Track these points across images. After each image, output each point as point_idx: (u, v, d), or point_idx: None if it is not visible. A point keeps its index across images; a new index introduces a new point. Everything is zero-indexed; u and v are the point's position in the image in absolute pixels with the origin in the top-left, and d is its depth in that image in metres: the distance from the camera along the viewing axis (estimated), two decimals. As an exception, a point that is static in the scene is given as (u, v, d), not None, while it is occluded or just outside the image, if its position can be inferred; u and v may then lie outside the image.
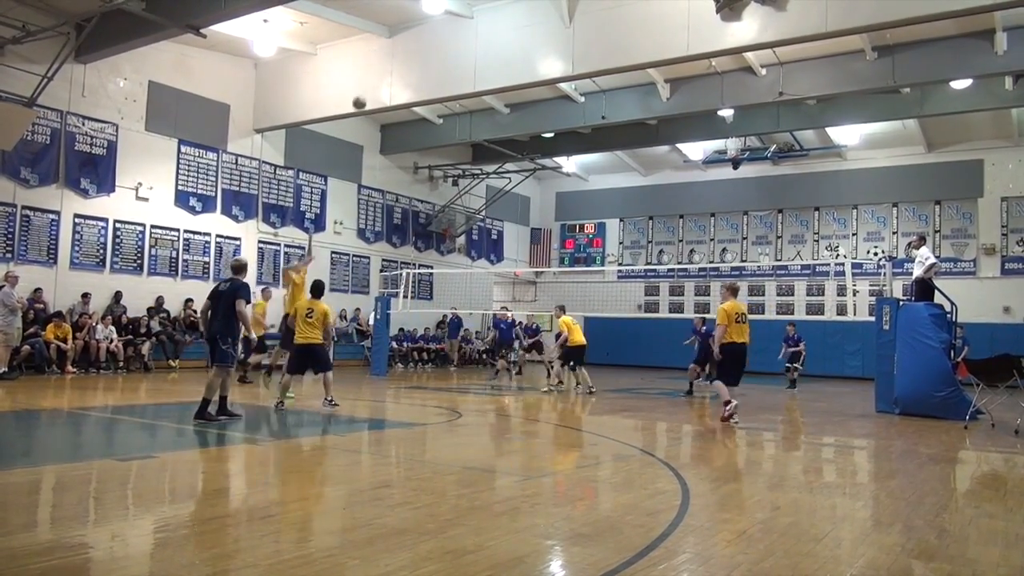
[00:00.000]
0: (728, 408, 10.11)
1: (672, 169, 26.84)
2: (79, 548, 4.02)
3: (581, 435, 9.53)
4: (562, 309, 15.92)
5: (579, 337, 15.08)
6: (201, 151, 18.57)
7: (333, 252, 21.94)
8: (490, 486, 6.16)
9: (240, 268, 9.21)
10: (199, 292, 17.57)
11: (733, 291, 10.56)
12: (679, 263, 26.62)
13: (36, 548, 3.92)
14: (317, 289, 10.72)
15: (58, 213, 16.00)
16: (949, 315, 12.86)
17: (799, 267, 24.39)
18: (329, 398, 10.40)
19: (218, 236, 18.95)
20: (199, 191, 18.51)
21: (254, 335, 10.54)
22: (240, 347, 10.11)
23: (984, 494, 6.67)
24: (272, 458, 7.32)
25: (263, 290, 15.06)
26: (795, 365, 17.24)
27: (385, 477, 6.52)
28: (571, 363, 15.35)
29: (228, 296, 8.78)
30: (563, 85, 18.44)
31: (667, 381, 18.77)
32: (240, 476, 6.50)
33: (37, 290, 15.28)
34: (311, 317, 10.25)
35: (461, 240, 26.21)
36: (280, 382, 10.69)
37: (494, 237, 27.88)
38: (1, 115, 14.15)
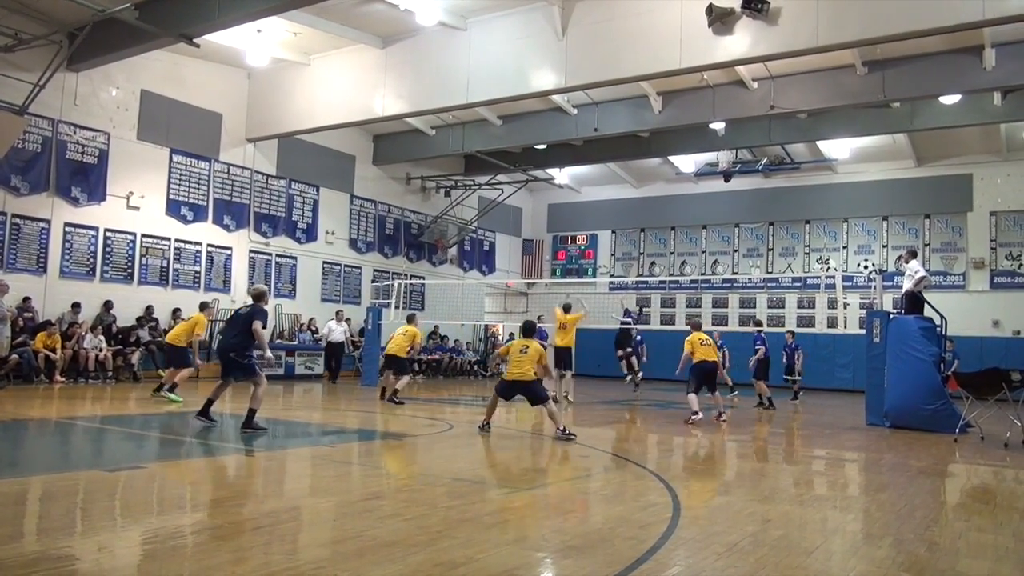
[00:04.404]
0: (694, 417, 11.95)
1: (664, 181, 26.95)
2: (66, 560, 3.98)
3: (572, 447, 9.51)
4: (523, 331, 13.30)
5: (561, 338, 14.86)
6: (193, 160, 18.55)
7: (324, 262, 21.90)
8: (481, 498, 6.13)
9: (260, 296, 9.53)
10: (190, 302, 17.54)
11: (695, 327, 12.81)
12: (670, 275, 26.68)
13: (22, 560, 3.88)
14: (529, 329, 10.28)
15: (48, 222, 15.93)
16: (939, 328, 12.92)
17: (790, 280, 24.49)
18: (561, 428, 9.66)
19: (209, 245, 18.89)
20: (191, 200, 18.47)
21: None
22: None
23: (974, 507, 6.69)
24: (261, 469, 7.28)
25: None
26: (796, 377, 17.12)
27: (375, 488, 6.50)
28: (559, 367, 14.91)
29: (246, 318, 9.20)
30: (556, 97, 18.52)
31: (658, 393, 18.77)
32: (229, 487, 6.46)
33: (26, 299, 15.19)
34: (525, 353, 9.78)
35: (453, 251, 26.21)
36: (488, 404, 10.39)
37: (486, 248, 27.90)
38: (-8, 123, 14.12)
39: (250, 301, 9.76)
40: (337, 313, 19.44)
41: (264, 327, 9.30)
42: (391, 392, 13.77)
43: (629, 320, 17.95)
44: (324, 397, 15.12)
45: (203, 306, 13.55)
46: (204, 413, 9.28)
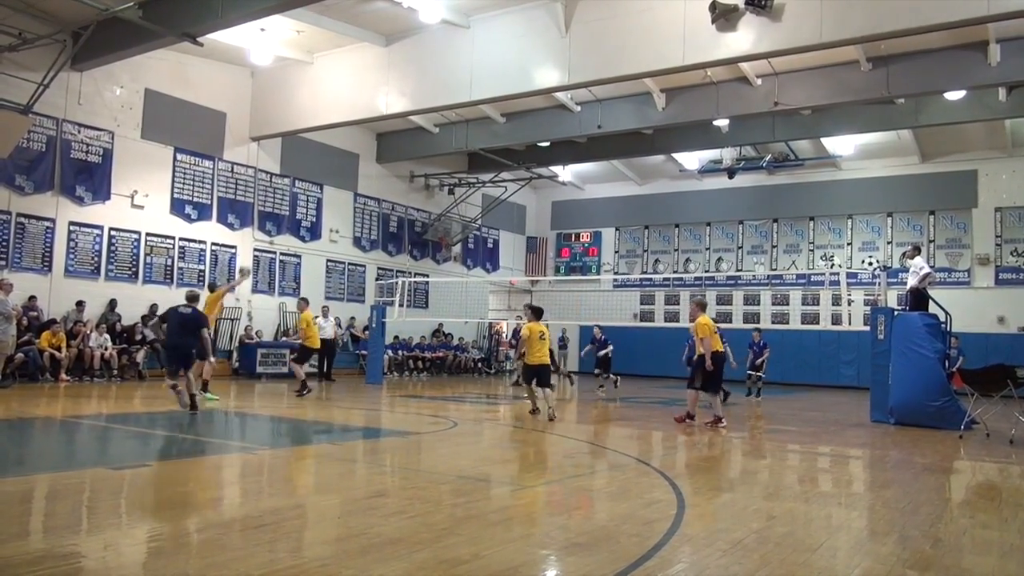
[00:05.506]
0: (691, 421, 11.07)
1: (668, 178, 26.91)
2: (71, 557, 3.99)
3: (576, 444, 9.52)
4: (535, 313, 12.17)
5: (541, 351, 11.68)
6: (197, 159, 18.57)
7: (328, 260, 21.93)
8: (485, 495, 6.14)
9: (195, 298, 11.16)
10: (194, 300, 17.54)
11: (702, 306, 11.74)
12: (674, 272, 26.66)
13: (28, 557, 3.90)
14: (541, 312, 12.07)
15: (53, 221, 15.96)
16: (944, 325, 12.89)
17: (794, 277, 24.43)
18: (536, 408, 11.50)
19: (214, 244, 18.92)
20: (195, 199, 18.49)
21: (212, 358, 12.36)
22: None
23: (979, 504, 6.68)
24: (266, 467, 7.29)
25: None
26: (759, 373, 17.02)
27: (380, 486, 6.50)
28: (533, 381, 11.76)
29: (193, 323, 10.65)
30: (559, 95, 18.50)
31: (662, 390, 18.77)
32: (234, 485, 6.48)
33: (32, 298, 15.23)
34: (544, 339, 11.44)
35: (457, 249, 26.22)
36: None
37: (490, 246, 27.90)
38: (-3, 122, 14.15)
39: (185, 301, 11.01)
40: (324, 309, 19.26)
41: (209, 331, 11.27)
42: (301, 386, 13.85)
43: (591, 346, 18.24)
44: (325, 396, 15.13)
45: (212, 287, 13.87)
46: (194, 406, 10.45)
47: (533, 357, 11.42)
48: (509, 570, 3.96)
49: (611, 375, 17.72)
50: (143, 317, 16.95)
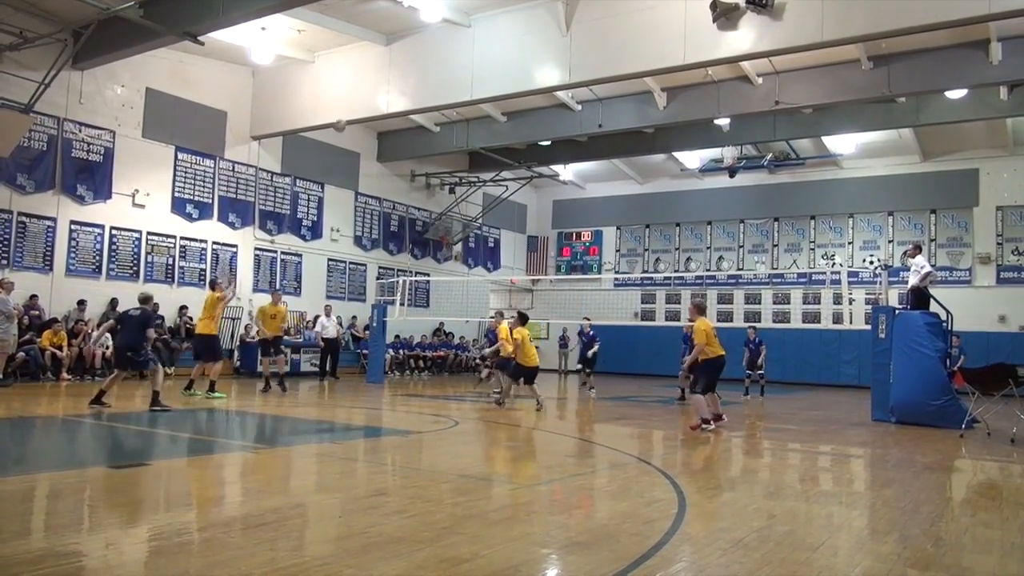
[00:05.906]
0: (707, 426, 10.45)
1: (669, 177, 26.91)
2: (73, 556, 4.00)
3: (577, 443, 9.52)
4: (520, 319, 13.26)
5: (531, 355, 12.95)
6: (198, 158, 18.57)
7: (329, 260, 21.93)
8: (486, 494, 6.15)
9: (147, 299, 11.19)
10: (195, 299, 17.55)
11: (700, 309, 11.30)
12: (675, 271, 26.65)
13: (29, 556, 3.90)
14: (527, 318, 13.32)
15: (54, 220, 15.97)
16: (945, 324, 12.88)
17: (795, 276, 24.41)
18: (541, 402, 12.69)
19: (215, 243, 18.92)
20: (196, 198, 18.50)
21: (219, 362, 12.80)
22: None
23: (980, 503, 6.67)
24: (267, 466, 7.29)
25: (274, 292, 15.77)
26: (760, 371, 17.06)
27: (381, 485, 6.51)
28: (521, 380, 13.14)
29: (140, 322, 10.66)
30: (560, 93, 18.50)
31: (663, 389, 18.76)
32: (235, 484, 6.48)
33: (33, 297, 15.25)
34: (532, 342, 12.95)
35: (458, 248, 26.22)
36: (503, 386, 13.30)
37: (491, 245, 27.89)
38: (-2, 122, 14.16)
39: (138, 304, 11.02)
40: (326, 308, 19.34)
41: (155, 331, 11.43)
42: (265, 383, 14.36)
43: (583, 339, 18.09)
44: (326, 394, 15.15)
45: (212, 285, 13.96)
46: (156, 403, 10.40)
47: (527, 359, 12.70)
48: (510, 569, 3.96)
49: (590, 373, 17.33)
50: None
